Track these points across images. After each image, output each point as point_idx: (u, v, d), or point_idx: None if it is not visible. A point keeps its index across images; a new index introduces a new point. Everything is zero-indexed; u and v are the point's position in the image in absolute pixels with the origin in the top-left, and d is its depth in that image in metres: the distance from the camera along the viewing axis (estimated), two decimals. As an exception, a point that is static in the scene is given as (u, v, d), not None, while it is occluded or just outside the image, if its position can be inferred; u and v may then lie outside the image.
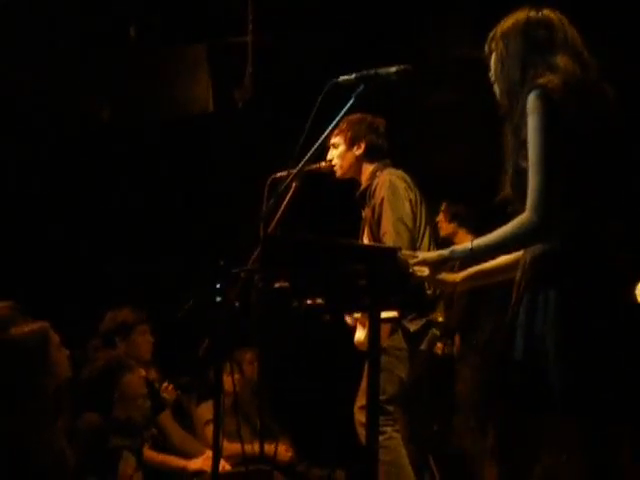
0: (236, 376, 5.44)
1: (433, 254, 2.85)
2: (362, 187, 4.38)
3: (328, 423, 5.62)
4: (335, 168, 4.42)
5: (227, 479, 3.89)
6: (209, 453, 4.73)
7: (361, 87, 2.99)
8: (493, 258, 2.80)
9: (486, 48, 2.83)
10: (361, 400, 4.03)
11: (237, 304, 3.13)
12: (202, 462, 4.81)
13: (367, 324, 3.97)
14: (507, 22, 2.78)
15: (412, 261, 2.74)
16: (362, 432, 3.94)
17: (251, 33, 5.61)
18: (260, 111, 5.77)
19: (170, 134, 6.18)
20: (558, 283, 2.58)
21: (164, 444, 4.99)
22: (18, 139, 5.96)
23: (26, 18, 5.62)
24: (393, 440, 4.08)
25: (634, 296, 2.67)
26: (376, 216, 4.20)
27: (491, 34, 2.81)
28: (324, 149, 4.35)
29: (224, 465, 4.55)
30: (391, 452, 4.05)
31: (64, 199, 6.13)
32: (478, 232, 2.88)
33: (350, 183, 4.48)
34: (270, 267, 2.71)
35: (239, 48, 5.77)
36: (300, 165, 3.17)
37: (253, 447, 4.45)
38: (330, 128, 3.10)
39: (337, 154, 4.40)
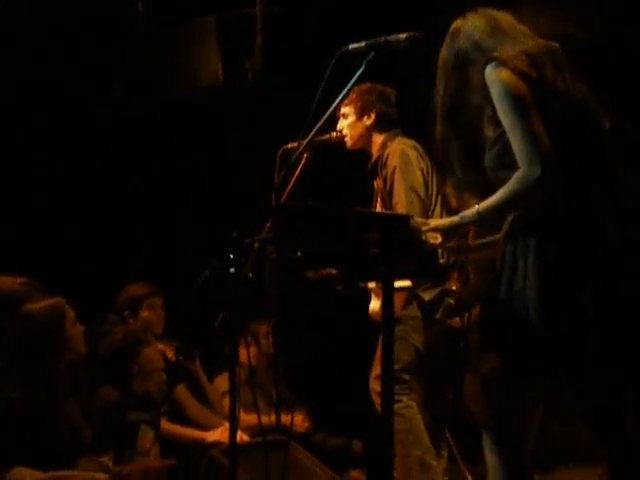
0: (252, 348, 5.47)
1: (445, 221, 2.84)
2: (373, 158, 4.36)
3: (344, 393, 5.64)
4: (345, 139, 4.39)
5: (245, 450, 3.90)
6: (226, 425, 4.75)
7: (371, 54, 2.96)
8: (502, 217, 2.80)
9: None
10: (376, 369, 4.04)
11: (251, 275, 3.14)
12: (220, 434, 4.84)
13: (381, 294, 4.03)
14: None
15: (424, 228, 2.74)
16: (378, 401, 3.96)
17: (260, 4, 5.58)
18: (270, 82, 5.74)
19: (180, 107, 6.16)
20: (538, 230, 2.62)
21: (180, 417, 5.02)
22: (30, 117, 5.96)
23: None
24: (409, 409, 4.10)
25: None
26: (388, 186, 4.19)
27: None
28: (335, 119, 4.33)
29: (241, 436, 4.56)
30: (407, 420, 4.07)
31: (80, 175, 6.13)
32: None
33: (361, 153, 4.47)
34: (283, 236, 2.71)
35: (248, 19, 5.74)
36: (311, 135, 3.15)
37: (270, 418, 4.47)
38: (340, 97, 3.08)
39: (347, 124, 4.38)
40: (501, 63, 2.66)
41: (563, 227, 2.62)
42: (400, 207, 4.05)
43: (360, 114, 4.36)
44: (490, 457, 2.75)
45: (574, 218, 2.62)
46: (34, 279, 4.17)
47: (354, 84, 3.05)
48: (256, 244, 3.16)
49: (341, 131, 4.37)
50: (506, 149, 2.65)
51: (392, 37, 2.99)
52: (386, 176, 4.20)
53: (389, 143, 4.31)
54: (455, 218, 2.81)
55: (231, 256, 3.08)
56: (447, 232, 2.78)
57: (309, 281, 2.75)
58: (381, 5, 5.39)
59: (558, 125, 2.64)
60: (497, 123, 2.67)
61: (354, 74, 3.00)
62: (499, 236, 2.82)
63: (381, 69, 3.07)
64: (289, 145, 4.04)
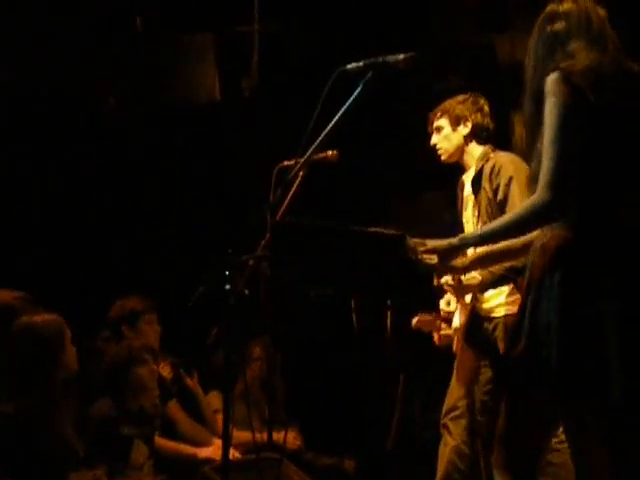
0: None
1: (443, 242, 2.83)
2: (472, 170, 4.23)
3: (336, 411, 5.63)
4: (440, 152, 4.32)
5: (237, 467, 3.90)
6: (218, 442, 4.74)
7: (369, 74, 2.98)
8: (503, 240, 2.80)
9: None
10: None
11: (246, 292, 3.14)
12: (212, 450, 4.83)
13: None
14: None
15: (421, 249, 2.75)
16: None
17: (257, 22, 5.60)
18: (267, 100, 5.76)
19: (176, 123, 6.18)
20: (564, 267, 2.57)
21: (172, 433, 5.01)
22: (26, 127, 5.96)
23: (32, 6, 5.62)
24: (563, 444, 4.01)
25: None
26: (501, 196, 4.07)
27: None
28: (331, 138, 4.32)
29: (233, 453, 4.55)
30: (561, 455, 3.92)
31: (72, 188, 6.12)
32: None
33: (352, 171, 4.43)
34: (278, 254, 2.71)
35: (245, 37, 5.76)
36: (307, 154, 3.16)
37: (262, 435, 4.46)
38: (338, 116, 3.09)
39: (442, 136, 4.28)
40: (565, 76, 2.60)
41: (588, 262, 2.57)
42: None
43: (456, 124, 4.27)
44: (500, 476, 2.74)
45: (601, 251, 2.58)
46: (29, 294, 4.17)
47: (351, 104, 3.06)
48: (251, 261, 3.16)
49: (335, 150, 4.35)
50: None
51: (390, 57, 3.00)
52: (498, 187, 4.08)
53: (492, 155, 4.21)
54: (454, 240, 2.81)
55: (226, 273, 3.08)
56: (444, 253, 2.79)
57: (309, 299, 2.76)
58: (378, 25, 5.43)
59: (605, 141, 2.59)
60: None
61: (352, 93, 3.01)
62: (496, 249, 2.82)
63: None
64: (285, 163, 4.04)
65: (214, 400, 5.34)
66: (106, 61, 5.98)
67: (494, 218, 3.93)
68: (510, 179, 4.06)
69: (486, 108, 4.31)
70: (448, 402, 4.36)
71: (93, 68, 5.98)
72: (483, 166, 4.18)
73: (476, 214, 4.17)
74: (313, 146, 3.10)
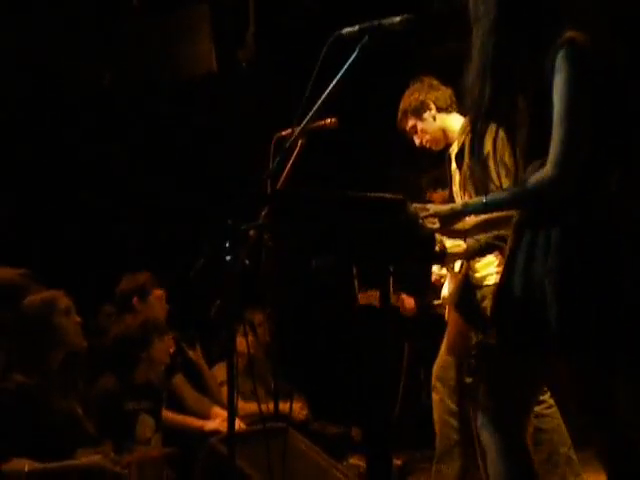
0: (250, 337, 5.45)
1: (445, 207, 2.82)
2: (457, 144, 4.21)
3: (342, 381, 5.63)
4: (429, 145, 4.33)
5: (243, 438, 3.89)
6: (224, 414, 4.75)
7: (365, 39, 2.94)
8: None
9: None
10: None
11: (247, 262, 3.12)
12: (218, 422, 4.84)
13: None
14: None
15: (423, 213, 2.73)
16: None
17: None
18: (264, 70, 5.72)
19: (173, 94, 6.15)
20: (562, 223, 2.56)
21: (178, 406, 5.01)
22: (22, 107, 5.93)
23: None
24: (552, 408, 4.07)
25: None
26: (482, 170, 4.07)
27: None
28: (328, 104, 4.29)
29: (239, 424, 4.56)
30: (551, 420, 4.04)
31: (74, 165, 6.11)
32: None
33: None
34: (279, 223, 2.69)
35: (241, 8, 5.72)
36: (305, 122, 3.13)
37: (268, 406, 4.46)
38: (334, 82, 3.05)
39: (420, 133, 4.31)
40: (581, 45, 2.53)
41: (589, 219, 2.56)
42: None
43: (421, 113, 4.28)
44: (486, 436, 2.74)
45: (601, 208, 2.57)
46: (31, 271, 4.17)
47: (348, 68, 3.02)
48: (252, 231, 3.14)
49: (334, 117, 4.32)
50: (543, 134, 2.56)
51: (386, 21, 2.96)
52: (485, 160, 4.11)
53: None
54: (457, 205, 2.81)
55: (227, 244, 3.06)
56: (446, 218, 2.77)
57: (312, 269, 2.74)
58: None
59: (610, 112, 2.57)
60: (546, 102, 2.56)
61: (348, 57, 2.98)
62: (498, 215, 2.80)
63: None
64: (283, 132, 4.01)
65: (220, 372, 5.34)
66: (100, 36, 5.94)
67: (478, 193, 3.97)
68: (487, 154, 4.05)
69: (434, 82, 4.32)
70: (437, 366, 4.44)
71: (89, 44, 5.94)
72: (465, 140, 4.17)
73: (462, 188, 4.17)
74: (310, 114, 3.06)
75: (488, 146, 3.98)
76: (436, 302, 4.46)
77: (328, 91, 3.04)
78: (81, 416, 3.93)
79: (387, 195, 2.70)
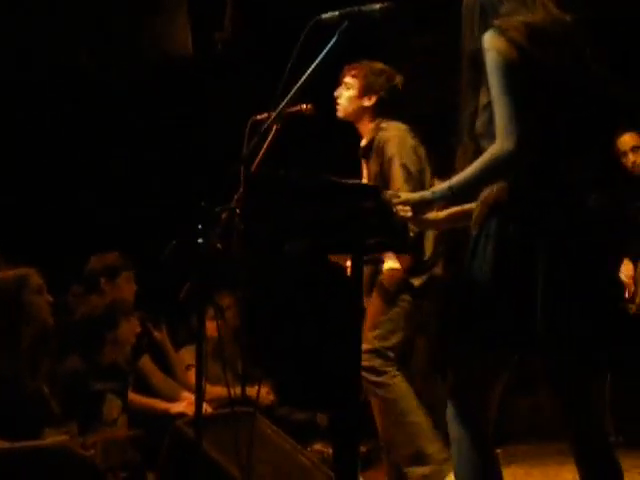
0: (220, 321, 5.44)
1: (415, 195, 2.84)
2: (366, 139, 4.30)
3: (309, 366, 5.64)
4: (338, 107, 4.35)
5: (210, 421, 3.89)
6: (190, 397, 4.74)
7: (344, 24, 2.94)
8: (474, 194, 2.78)
9: None
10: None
11: (219, 245, 3.11)
12: (185, 405, 4.83)
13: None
14: None
15: (395, 201, 2.73)
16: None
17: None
18: (241, 52, 5.70)
19: (148, 76, 6.11)
20: (502, 214, 2.61)
21: (145, 388, 5.00)
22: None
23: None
24: (395, 378, 4.12)
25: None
26: (385, 172, 4.16)
27: None
28: (305, 90, 4.28)
29: (206, 408, 4.55)
30: (394, 389, 4.11)
31: (48, 146, 6.06)
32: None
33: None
34: (252, 206, 2.68)
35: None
36: (281, 106, 3.12)
37: (234, 390, 4.46)
38: (312, 67, 3.04)
39: (346, 96, 4.32)
40: (500, 32, 2.63)
41: (528, 209, 2.61)
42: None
43: (362, 93, 4.29)
44: (455, 429, 2.76)
45: (542, 200, 2.61)
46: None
47: (327, 54, 3.01)
48: (225, 214, 3.12)
49: (311, 103, 4.32)
50: (492, 118, 2.63)
51: (366, 7, 2.96)
52: (382, 163, 4.18)
53: (384, 125, 4.27)
54: (426, 193, 2.81)
55: (199, 226, 3.05)
56: (417, 206, 2.78)
57: (284, 254, 2.74)
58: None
59: (549, 102, 2.62)
60: (489, 89, 2.65)
61: (327, 43, 2.97)
62: (469, 207, 2.82)
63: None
64: (259, 116, 3.99)
65: (186, 356, 5.33)
66: (75, 17, 5.89)
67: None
68: (391, 158, 4.14)
69: (399, 86, 4.32)
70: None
71: (64, 24, 5.89)
72: (374, 138, 4.25)
73: (371, 182, 4.22)
74: (286, 99, 3.06)
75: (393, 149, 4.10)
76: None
77: (305, 76, 3.03)
78: (48, 395, 3.91)
79: (361, 182, 2.70)
